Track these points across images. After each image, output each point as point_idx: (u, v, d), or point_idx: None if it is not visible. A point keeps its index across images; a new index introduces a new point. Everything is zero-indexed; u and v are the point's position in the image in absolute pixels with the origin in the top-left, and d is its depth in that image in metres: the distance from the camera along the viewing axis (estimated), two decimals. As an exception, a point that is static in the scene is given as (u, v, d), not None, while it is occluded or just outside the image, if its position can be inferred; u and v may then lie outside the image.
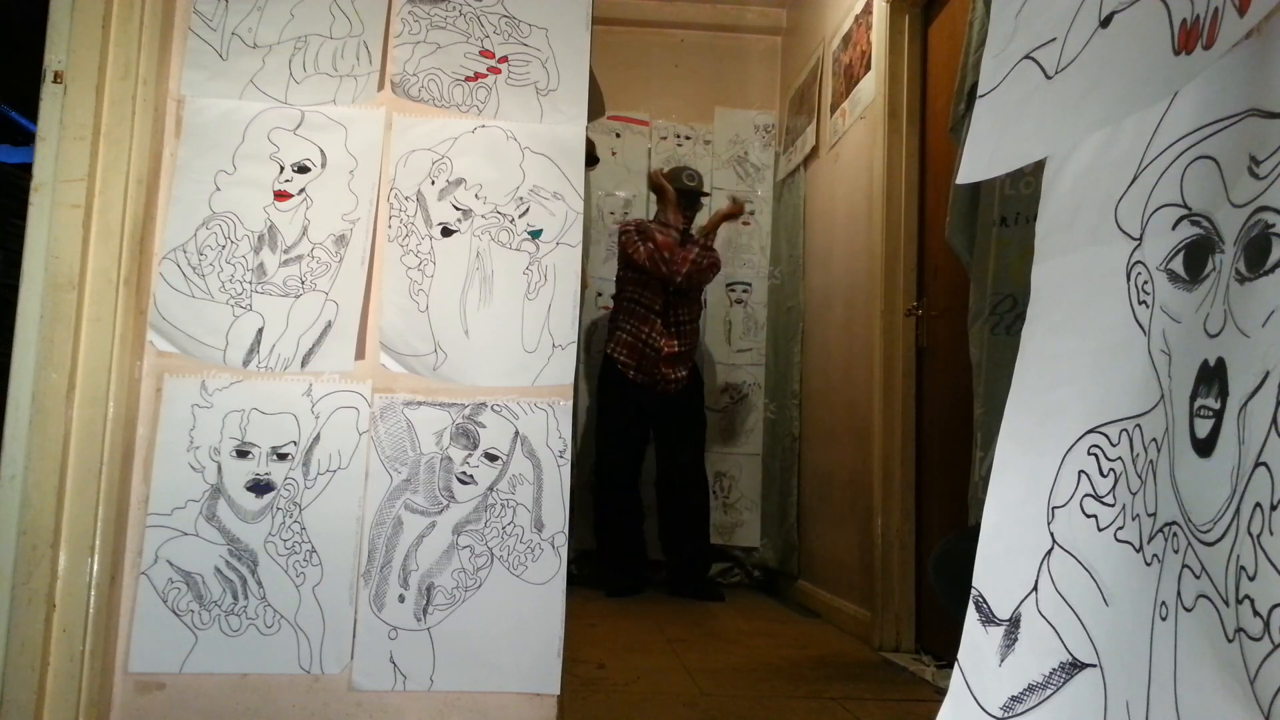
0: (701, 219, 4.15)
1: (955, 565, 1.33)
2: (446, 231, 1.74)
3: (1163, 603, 0.80)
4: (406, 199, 1.74)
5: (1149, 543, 0.84)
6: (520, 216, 1.75)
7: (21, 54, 1.70)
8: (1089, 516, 0.92)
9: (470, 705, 1.64)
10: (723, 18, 4.67)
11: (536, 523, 1.68)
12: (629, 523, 3.96)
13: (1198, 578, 0.76)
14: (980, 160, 1.14)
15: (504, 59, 1.79)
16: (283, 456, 1.65)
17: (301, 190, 1.71)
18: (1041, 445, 1.00)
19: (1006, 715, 0.96)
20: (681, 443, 4.00)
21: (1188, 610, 0.77)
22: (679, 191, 3.98)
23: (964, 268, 2.32)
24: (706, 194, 4.18)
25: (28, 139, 1.87)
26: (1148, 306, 0.89)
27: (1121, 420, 0.90)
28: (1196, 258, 0.83)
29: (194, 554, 1.62)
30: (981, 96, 1.17)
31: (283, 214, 1.71)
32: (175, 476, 1.63)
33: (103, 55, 1.57)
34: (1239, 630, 0.70)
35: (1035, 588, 0.97)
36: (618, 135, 4.58)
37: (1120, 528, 0.88)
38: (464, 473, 1.68)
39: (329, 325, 1.69)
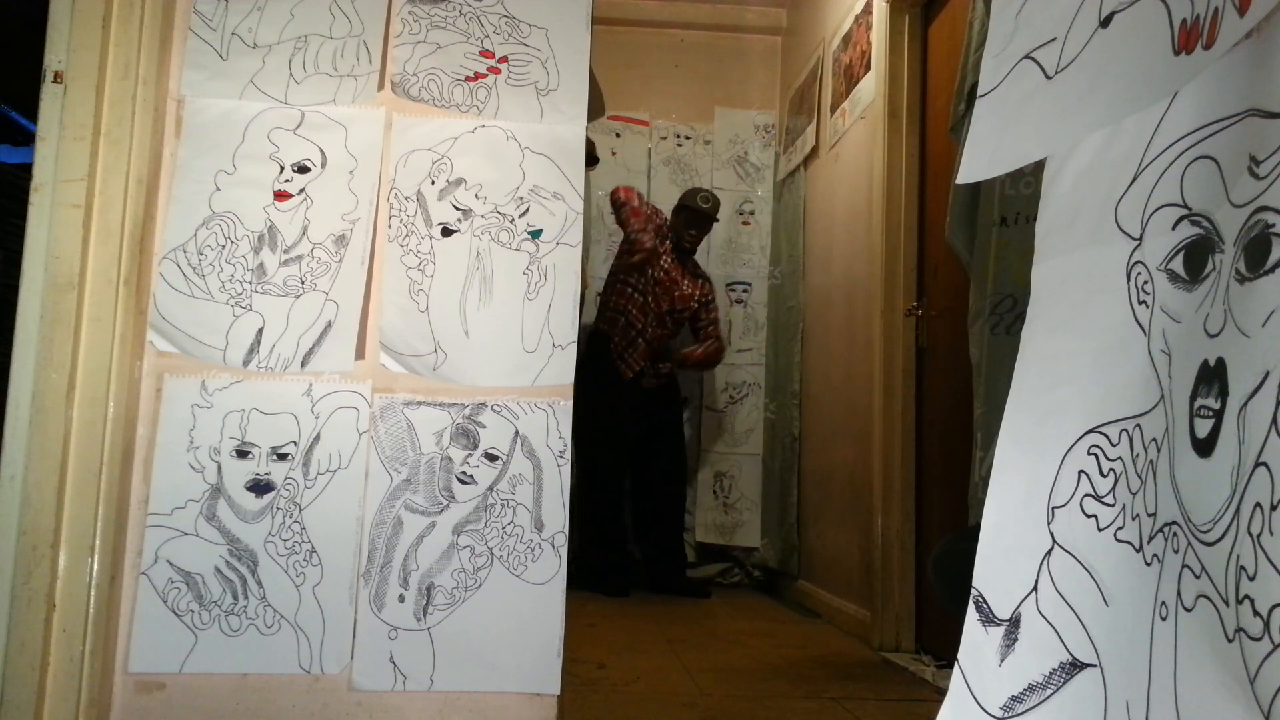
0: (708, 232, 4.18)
1: (955, 565, 1.34)
2: (446, 231, 1.74)
3: (1163, 603, 0.80)
4: (406, 199, 1.74)
5: (1149, 543, 0.84)
6: (520, 216, 1.75)
7: (21, 54, 1.69)
8: (1089, 516, 0.92)
9: (470, 705, 1.64)
10: (723, 18, 4.67)
11: (536, 523, 1.68)
12: (616, 520, 3.95)
13: (1198, 578, 0.76)
14: (980, 160, 1.14)
15: (504, 59, 1.79)
16: (283, 456, 1.65)
17: (301, 190, 1.71)
18: (1041, 445, 1.00)
19: (1006, 715, 0.96)
20: (658, 439, 4.00)
21: (1188, 610, 0.77)
22: (692, 211, 3.99)
23: (964, 268, 2.32)
24: (717, 219, 4.17)
25: (28, 139, 1.87)
26: (1148, 306, 0.89)
27: (1121, 420, 0.90)
28: (1196, 258, 0.83)
29: (194, 554, 1.62)
30: (981, 96, 1.17)
31: (283, 214, 1.71)
32: (175, 476, 1.63)
33: (103, 55, 1.57)
34: (1239, 630, 0.70)
35: (1035, 588, 0.97)
36: (618, 135, 4.58)
37: (1120, 528, 0.88)
38: (464, 473, 1.68)
39: (329, 325, 1.69)
